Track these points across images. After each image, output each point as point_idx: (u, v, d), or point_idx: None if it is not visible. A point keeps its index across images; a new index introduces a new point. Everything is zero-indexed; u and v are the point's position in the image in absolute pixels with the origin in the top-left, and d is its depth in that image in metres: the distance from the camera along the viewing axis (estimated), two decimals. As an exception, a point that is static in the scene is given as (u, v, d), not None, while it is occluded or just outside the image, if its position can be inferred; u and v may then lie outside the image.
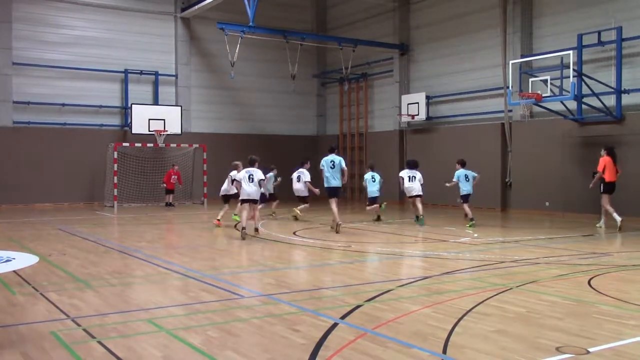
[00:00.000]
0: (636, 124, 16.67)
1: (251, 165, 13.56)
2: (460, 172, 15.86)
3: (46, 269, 9.29)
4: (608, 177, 14.79)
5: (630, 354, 5.07)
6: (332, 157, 14.54)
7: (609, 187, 14.77)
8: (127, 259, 10.51)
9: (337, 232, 13.92)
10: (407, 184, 16.14)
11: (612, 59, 17.13)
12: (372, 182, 16.79)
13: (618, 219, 14.46)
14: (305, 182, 16.60)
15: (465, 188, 15.75)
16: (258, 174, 13.42)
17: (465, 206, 15.76)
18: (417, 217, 15.82)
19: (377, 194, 16.79)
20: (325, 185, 14.50)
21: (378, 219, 17.01)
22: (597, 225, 15.31)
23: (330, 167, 14.39)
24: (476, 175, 15.97)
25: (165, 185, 22.97)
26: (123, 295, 7.55)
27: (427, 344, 5.32)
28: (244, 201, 13.45)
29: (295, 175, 17.00)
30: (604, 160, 14.85)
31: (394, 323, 6.02)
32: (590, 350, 5.12)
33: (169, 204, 22.82)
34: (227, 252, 11.77)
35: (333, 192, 14.48)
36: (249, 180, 13.29)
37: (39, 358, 5.00)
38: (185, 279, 8.57)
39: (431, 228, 15.22)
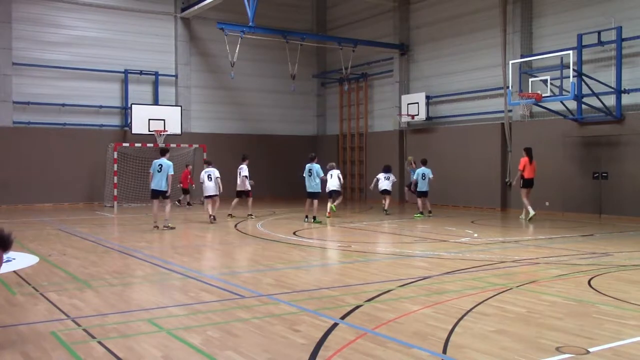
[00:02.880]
0: (636, 124, 16.67)
1: (208, 165, 16.84)
2: (421, 170, 18.61)
3: (46, 269, 9.30)
4: (527, 174, 17.07)
5: (630, 354, 5.07)
6: (161, 160, 14.86)
7: (528, 183, 17.09)
8: (127, 259, 10.51)
9: (156, 227, 14.88)
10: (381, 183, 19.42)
11: (612, 59, 17.14)
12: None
13: (532, 212, 16.77)
14: (244, 176, 17.85)
15: (422, 185, 18.51)
16: (215, 172, 16.58)
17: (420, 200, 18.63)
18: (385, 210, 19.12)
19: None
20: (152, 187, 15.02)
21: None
22: (520, 217, 17.53)
23: (157, 171, 14.75)
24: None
25: (181, 185, 22.92)
26: (123, 295, 7.55)
27: (427, 344, 5.32)
28: (206, 197, 16.68)
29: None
30: (524, 160, 17.12)
31: (394, 323, 6.02)
32: (590, 350, 5.12)
33: (189, 204, 22.91)
34: (227, 252, 11.77)
35: (155, 194, 14.94)
36: (208, 179, 16.50)
37: (39, 358, 5.00)
38: (185, 279, 8.57)
39: (431, 228, 15.23)
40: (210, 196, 16.64)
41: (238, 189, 17.97)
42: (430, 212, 18.68)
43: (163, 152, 15.17)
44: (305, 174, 16.81)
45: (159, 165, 14.79)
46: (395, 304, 6.88)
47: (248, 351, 5.14)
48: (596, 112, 17.10)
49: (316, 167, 16.63)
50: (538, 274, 8.74)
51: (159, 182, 14.76)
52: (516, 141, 19.90)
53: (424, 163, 18.87)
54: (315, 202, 16.55)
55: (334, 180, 18.13)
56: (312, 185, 16.57)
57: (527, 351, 5.10)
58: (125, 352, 5.11)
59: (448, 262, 9.92)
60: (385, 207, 19.12)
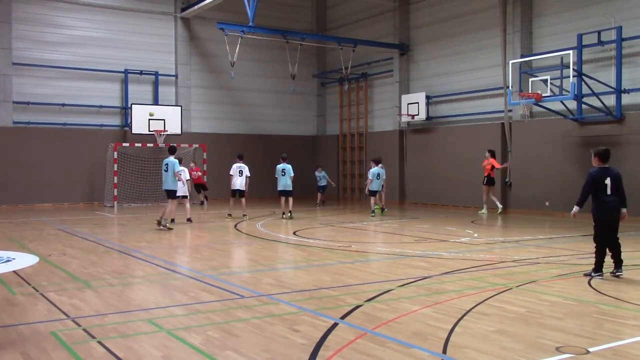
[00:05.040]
0: (636, 124, 16.67)
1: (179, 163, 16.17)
2: (375, 170, 18.70)
3: (46, 269, 9.30)
4: (493, 173, 19.12)
5: (630, 354, 5.07)
6: (167, 159, 15.23)
7: (492, 181, 19.11)
8: (127, 259, 10.51)
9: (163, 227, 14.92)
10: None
11: (612, 59, 17.13)
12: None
13: (492, 207, 19.16)
14: (247, 176, 17.79)
15: (375, 185, 18.73)
16: (185, 173, 16.38)
17: (372, 199, 18.90)
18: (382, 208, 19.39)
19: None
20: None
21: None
22: (481, 212, 19.33)
23: (165, 170, 15.25)
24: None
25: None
26: (123, 295, 7.55)
27: (427, 344, 5.32)
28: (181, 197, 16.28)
29: (237, 168, 17.70)
30: (492, 160, 19.07)
31: (394, 323, 6.02)
32: (590, 350, 5.12)
33: (205, 199, 22.61)
34: (227, 252, 11.77)
35: (167, 194, 15.41)
36: (239, 174, 16.64)
37: (39, 358, 5.00)
38: (185, 279, 8.57)
39: (431, 228, 15.22)
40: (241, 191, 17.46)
41: (237, 188, 17.68)
42: (373, 211, 18.73)
43: (171, 151, 15.43)
44: (278, 174, 17.98)
45: (165, 165, 15.13)
46: (395, 304, 6.88)
47: (248, 351, 5.14)
48: (596, 112, 17.10)
49: (288, 167, 17.87)
50: (538, 274, 8.74)
51: (166, 181, 15.09)
52: (516, 141, 19.90)
53: (377, 163, 19.13)
54: (290, 199, 17.78)
55: (380, 181, 19.07)
56: (286, 184, 17.72)
57: (527, 351, 5.10)
58: (125, 352, 5.11)
59: (448, 262, 9.92)
60: (373, 207, 18.96)
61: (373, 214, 18.59)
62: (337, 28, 27.62)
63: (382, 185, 19.38)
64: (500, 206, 19.11)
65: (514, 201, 20.10)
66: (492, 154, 19.25)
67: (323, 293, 7.57)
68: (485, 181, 19.15)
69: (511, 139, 20.03)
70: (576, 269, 9.17)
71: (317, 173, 23.29)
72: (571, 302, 6.98)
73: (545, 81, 17.11)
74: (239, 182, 17.61)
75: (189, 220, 16.41)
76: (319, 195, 22.95)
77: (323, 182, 23.14)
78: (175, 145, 16.33)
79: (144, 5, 24.62)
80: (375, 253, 11.38)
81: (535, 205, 19.14)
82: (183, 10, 24.93)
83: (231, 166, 17.90)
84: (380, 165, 19.21)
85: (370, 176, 18.89)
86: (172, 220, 16.03)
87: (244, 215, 17.76)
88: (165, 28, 25.11)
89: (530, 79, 17.74)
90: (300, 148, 27.27)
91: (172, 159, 15.06)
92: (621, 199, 8.66)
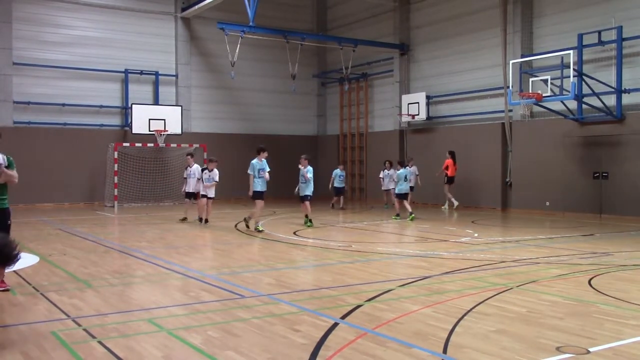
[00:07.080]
0: (636, 124, 16.67)
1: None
2: (402, 172, 17.31)
3: (46, 269, 9.30)
4: (450, 173, 20.39)
5: (631, 353, 5.07)
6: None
7: (451, 180, 20.50)
8: (128, 258, 10.51)
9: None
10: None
11: (612, 59, 17.13)
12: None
13: (455, 203, 20.31)
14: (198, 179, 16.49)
15: (404, 187, 17.34)
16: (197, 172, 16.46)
17: (402, 202, 17.42)
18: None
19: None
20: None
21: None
22: (443, 208, 20.75)
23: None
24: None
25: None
26: (123, 295, 7.55)
27: (427, 343, 5.32)
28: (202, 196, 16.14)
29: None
30: (448, 161, 20.37)
31: (394, 323, 6.01)
32: (591, 350, 5.12)
33: None
34: (227, 252, 11.76)
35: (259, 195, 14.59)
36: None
37: (39, 358, 5.00)
38: (185, 279, 8.57)
39: (431, 228, 15.22)
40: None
41: (194, 190, 16.77)
42: (411, 213, 17.02)
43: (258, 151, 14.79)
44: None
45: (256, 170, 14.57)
46: (396, 304, 6.87)
47: (248, 351, 5.14)
48: (596, 112, 17.10)
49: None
50: (538, 274, 8.74)
51: (261, 184, 14.51)
52: (516, 141, 19.91)
53: (402, 164, 17.78)
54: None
55: (408, 183, 17.68)
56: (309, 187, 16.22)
57: (527, 351, 5.10)
58: (125, 352, 5.11)
59: (448, 262, 9.92)
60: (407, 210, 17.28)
61: (397, 217, 17.43)
62: (338, 28, 27.63)
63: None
64: (447, 206, 20.65)
65: (514, 201, 20.11)
66: (451, 155, 20.38)
67: (323, 293, 7.57)
68: (445, 180, 20.52)
69: (511, 139, 20.04)
70: (576, 269, 9.17)
71: (338, 171, 21.59)
72: (571, 302, 6.98)
73: (545, 81, 17.12)
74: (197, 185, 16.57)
75: (202, 219, 16.24)
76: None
77: (338, 183, 21.40)
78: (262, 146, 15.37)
79: (144, 5, 24.62)
80: (376, 253, 11.37)
81: (535, 205, 19.15)
82: (183, 10, 24.94)
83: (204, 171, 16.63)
84: (407, 166, 18.11)
85: (395, 178, 17.57)
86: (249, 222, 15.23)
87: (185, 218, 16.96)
88: (166, 28, 25.12)
89: (531, 79, 17.74)
90: (301, 148, 27.22)
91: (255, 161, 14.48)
92: None
